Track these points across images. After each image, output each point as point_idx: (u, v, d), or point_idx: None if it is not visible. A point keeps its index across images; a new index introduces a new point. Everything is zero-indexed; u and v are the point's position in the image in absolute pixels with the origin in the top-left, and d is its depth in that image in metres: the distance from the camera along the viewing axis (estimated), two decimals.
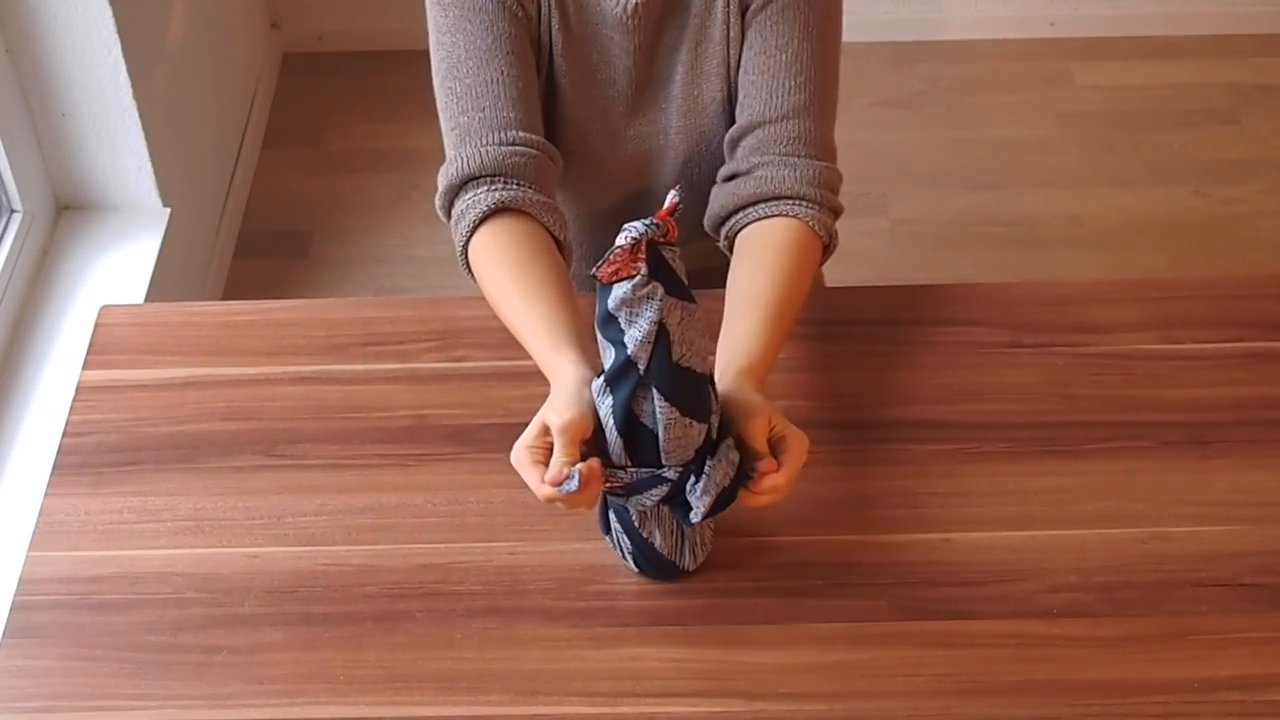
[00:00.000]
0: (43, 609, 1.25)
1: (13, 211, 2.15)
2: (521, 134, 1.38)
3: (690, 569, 1.25)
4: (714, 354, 1.24)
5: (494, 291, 1.34)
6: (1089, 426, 1.37)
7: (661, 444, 1.15)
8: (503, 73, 1.39)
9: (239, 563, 1.28)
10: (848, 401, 1.39)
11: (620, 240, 1.08)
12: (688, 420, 1.14)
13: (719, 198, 1.44)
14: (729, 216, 1.42)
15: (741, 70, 1.44)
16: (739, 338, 1.27)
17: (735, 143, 1.44)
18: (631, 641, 1.22)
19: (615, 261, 1.09)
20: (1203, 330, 1.46)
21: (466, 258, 1.37)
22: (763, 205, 1.39)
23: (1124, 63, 3.02)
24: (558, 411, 1.16)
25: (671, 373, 1.12)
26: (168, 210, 2.27)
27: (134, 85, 2.13)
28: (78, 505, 1.33)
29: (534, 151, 1.38)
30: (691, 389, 1.14)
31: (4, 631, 1.24)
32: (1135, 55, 3.04)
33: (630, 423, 1.15)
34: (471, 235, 1.36)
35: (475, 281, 1.38)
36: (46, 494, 1.34)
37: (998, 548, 1.28)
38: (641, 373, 1.12)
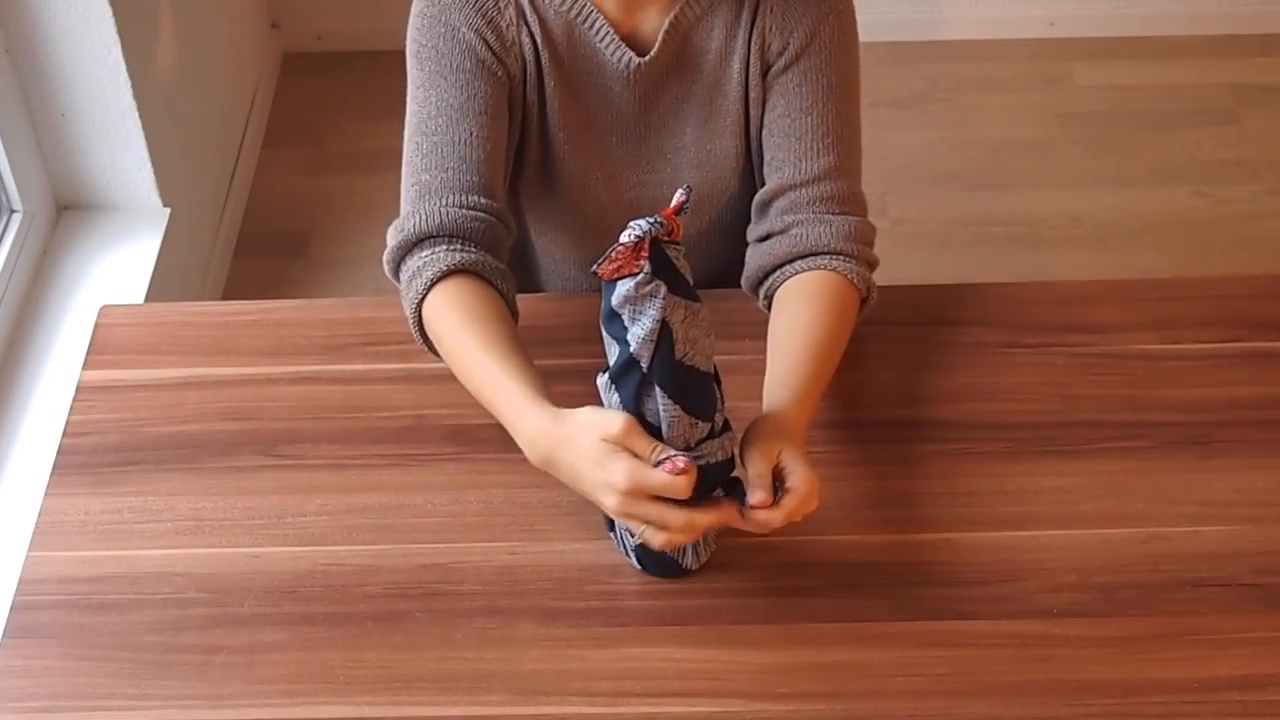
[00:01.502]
0: (43, 609, 1.25)
1: (13, 211, 2.15)
2: (482, 199, 1.36)
3: (692, 568, 1.25)
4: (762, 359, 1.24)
5: (452, 345, 1.30)
6: (1089, 426, 1.37)
7: (666, 441, 1.15)
8: (472, 134, 1.37)
9: (239, 563, 1.28)
10: (847, 401, 1.39)
11: (624, 237, 1.08)
12: (691, 419, 1.14)
13: (755, 258, 1.43)
14: (767, 275, 1.41)
15: (766, 131, 1.44)
16: (780, 376, 1.27)
17: (766, 204, 1.44)
18: (631, 641, 1.22)
19: (617, 259, 1.09)
20: (1203, 330, 1.46)
21: (419, 315, 1.33)
22: (799, 261, 1.39)
23: (1124, 62, 3.02)
24: (607, 418, 1.15)
25: (674, 371, 1.12)
26: (168, 210, 2.27)
27: (134, 85, 2.13)
28: (78, 505, 1.32)
29: (492, 219, 1.36)
30: (695, 387, 1.14)
31: (4, 631, 1.24)
32: (1135, 55, 3.03)
33: (636, 419, 1.15)
34: (427, 293, 1.32)
35: (424, 340, 1.35)
36: (46, 494, 1.34)
37: (998, 548, 1.28)
38: (644, 370, 1.12)
